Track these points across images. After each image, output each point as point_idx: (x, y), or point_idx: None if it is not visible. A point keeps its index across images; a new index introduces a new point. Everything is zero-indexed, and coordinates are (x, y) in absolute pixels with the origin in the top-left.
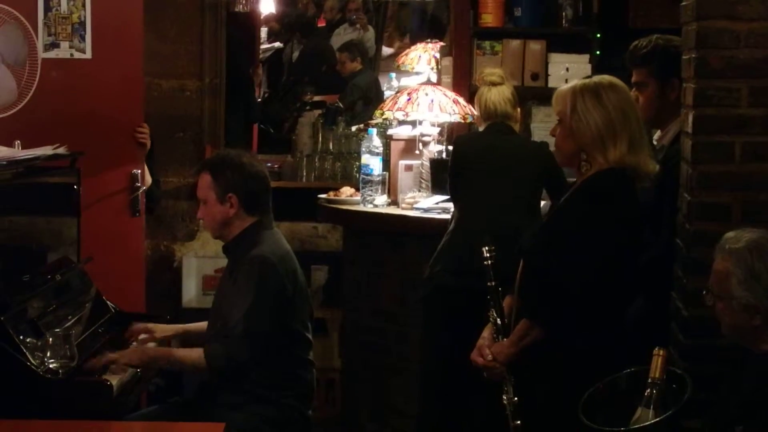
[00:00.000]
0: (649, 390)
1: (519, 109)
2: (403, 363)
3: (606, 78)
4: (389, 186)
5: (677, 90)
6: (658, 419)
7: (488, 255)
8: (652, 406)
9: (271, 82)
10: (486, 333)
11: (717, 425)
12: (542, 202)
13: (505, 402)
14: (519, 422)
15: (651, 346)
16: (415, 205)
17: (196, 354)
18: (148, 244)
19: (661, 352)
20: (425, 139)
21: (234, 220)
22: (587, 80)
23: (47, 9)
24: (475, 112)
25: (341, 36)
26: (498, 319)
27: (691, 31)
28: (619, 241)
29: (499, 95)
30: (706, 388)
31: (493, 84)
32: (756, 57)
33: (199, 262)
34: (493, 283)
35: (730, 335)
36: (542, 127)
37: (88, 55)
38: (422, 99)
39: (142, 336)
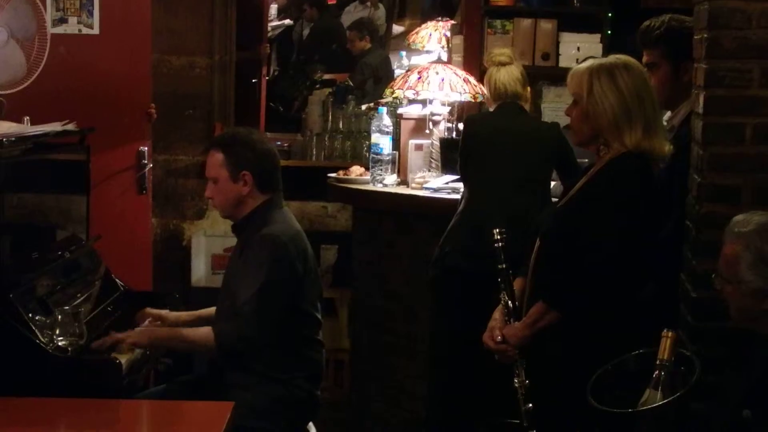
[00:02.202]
0: (657, 372)
1: (529, 89)
2: (412, 344)
3: (622, 59)
4: (399, 165)
5: (690, 72)
6: (666, 401)
7: (499, 237)
8: (660, 388)
9: (280, 60)
10: (497, 315)
11: (724, 409)
12: (552, 183)
13: (516, 385)
14: (531, 405)
15: (659, 328)
16: (424, 185)
17: (204, 333)
18: (157, 223)
19: (670, 334)
20: (435, 118)
21: (247, 198)
22: (603, 60)
23: None
24: (485, 93)
25: (351, 14)
26: (509, 302)
27: (703, 11)
28: (640, 227)
29: (508, 75)
30: (715, 371)
31: (502, 64)
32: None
33: (208, 241)
34: (504, 266)
35: (738, 318)
36: (553, 107)
37: (96, 30)
38: (433, 78)
39: (149, 320)
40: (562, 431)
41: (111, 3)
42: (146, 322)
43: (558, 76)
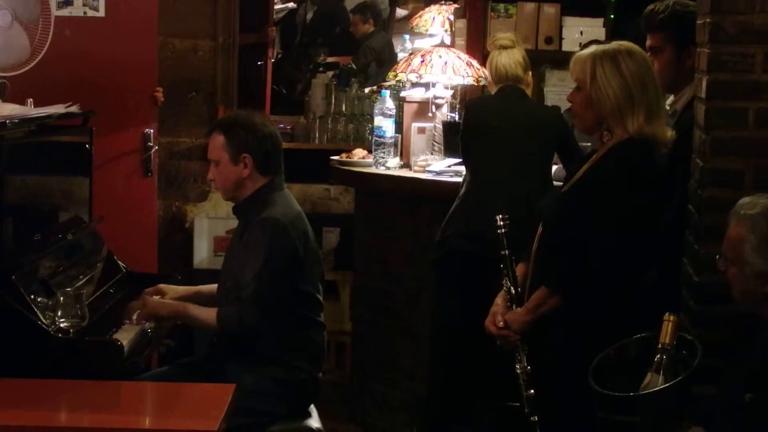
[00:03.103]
0: (659, 356)
1: (530, 73)
2: (414, 327)
3: (624, 45)
4: (402, 148)
5: (693, 56)
6: (667, 385)
7: (502, 223)
8: (662, 372)
9: (284, 43)
10: (499, 300)
11: (726, 392)
12: (554, 167)
13: (518, 371)
14: (532, 391)
15: (661, 313)
16: (427, 168)
17: (210, 314)
18: (160, 205)
19: (672, 318)
20: (438, 101)
21: (247, 181)
22: (606, 46)
23: None
24: (485, 77)
25: None
26: (512, 288)
27: None
28: (644, 212)
29: (509, 58)
30: (717, 355)
31: (504, 47)
32: None
33: (211, 223)
34: (507, 252)
35: (741, 302)
36: (555, 91)
37: (102, 13)
38: (436, 61)
39: (155, 297)
40: (564, 416)
41: None
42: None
43: (561, 59)
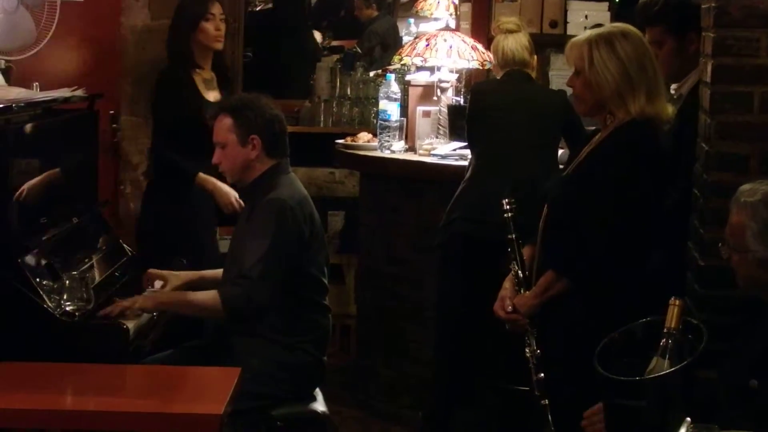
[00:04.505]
0: (664, 340)
1: (536, 57)
2: (418, 310)
3: (619, 26)
4: (407, 132)
5: (696, 42)
6: (673, 369)
7: (508, 207)
8: (667, 356)
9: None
10: (507, 284)
11: (731, 377)
12: (560, 151)
13: (528, 355)
14: (542, 375)
15: (667, 296)
16: (432, 152)
17: (211, 297)
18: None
19: (677, 302)
20: (443, 85)
21: (255, 163)
22: (601, 30)
23: None
24: (493, 61)
25: None
26: (519, 272)
27: None
28: (648, 192)
29: (515, 42)
30: (722, 339)
31: (510, 32)
32: None
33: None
34: (514, 235)
35: (745, 287)
36: (560, 74)
37: None
38: (441, 45)
39: (157, 283)
40: (573, 400)
41: None
42: (155, 286)
43: (566, 43)
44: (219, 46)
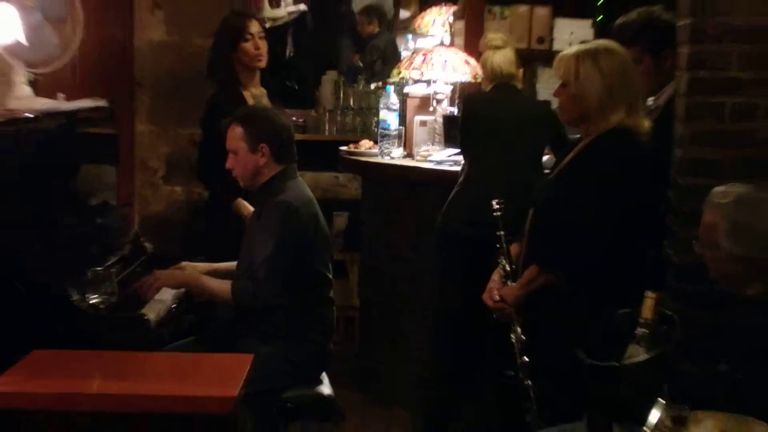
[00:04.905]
0: (640, 329)
1: (522, 70)
2: (416, 304)
3: (604, 43)
4: (405, 140)
5: (671, 58)
6: (647, 357)
7: (498, 207)
8: (643, 345)
9: (296, 42)
10: (495, 277)
11: (704, 362)
12: (545, 157)
13: (513, 340)
14: (526, 359)
15: (654, 289)
16: (428, 158)
17: (224, 287)
18: (184, 191)
19: (652, 295)
20: (439, 96)
21: (264, 168)
22: (587, 46)
23: None
24: (480, 75)
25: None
26: (506, 265)
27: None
28: (627, 195)
29: (503, 57)
30: (696, 330)
31: (497, 48)
32: (748, 24)
33: None
34: (502, 233)
35: (717, 280)
36: (547, 87)
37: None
38: (436, 59)
39: (175, 272)
40: (556, 383)
41: None
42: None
43: (552, 58)
44: (261, 64)
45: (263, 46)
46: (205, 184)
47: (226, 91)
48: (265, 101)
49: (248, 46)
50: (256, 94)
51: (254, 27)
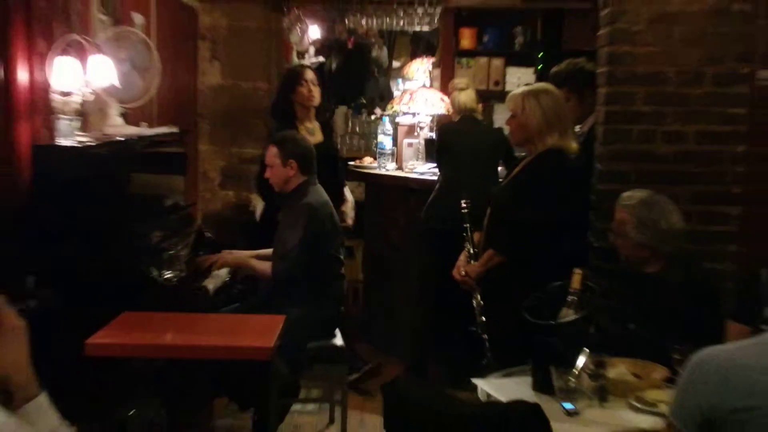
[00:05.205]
0: (570, 297)
1: (481, 105)
2: (405, 279)
3: (543, 86)
4: (397, 156)
5: (591, 96)
6: (575, 317)
7: (465, 206)
8: (572, 308)
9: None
10: (462, 258)
11: (617, 323)
12: (499, 168)
13: (474, 305)
14: (484, 318)
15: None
16: (414, 170)
17: (266, 267)
18: (235, 195)
19: (578, 271)
20: (421, 125)
21: (292, 178)
22: (531, 87)
23: None
24: (450, 109)
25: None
26: (470, 249)
27: (604, 53)
28: (558, 197)
29: (466, 96)
30: (610, 297)
31: (462, 89)
32: (647, 72)
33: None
34: (468, 225)
35: (626, 262)
36: (501, 118)
37: None
38: (419, 97)
39: (228, 255)
40: (506, 337)
41: None
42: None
43: (505, 97)
44: (313, 103)
45: (315, 89)
46: (260, 194)
47: (285, 125)
48: (317, 133)
49: (303, 90)
50: (309, 127)
51: (308, 75)
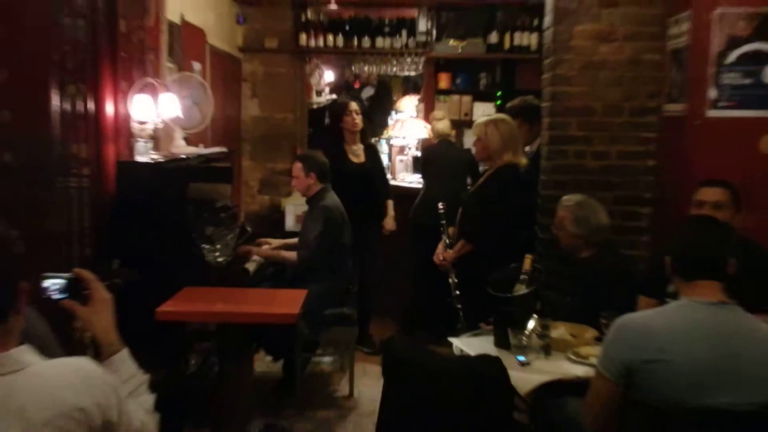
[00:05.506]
0: (522, 275)
1: (454, 131)
2: (401, 260)
3: (500, 116)
4: (391, 169)
5: (537, 124)
6: (526, 291)
7: (442, 208)
8: (524, 284)
9: (331, 116)
10: (440, 246)
11: (557, 295)
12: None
13: (450, 282)
14: (458, 292)
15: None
16: (405, 179)
17: (293, 256)
18: (270, 199)
19: (529, 256)
20: (409, 145)
21: (313, 186)
22: (491, 117)
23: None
24: (431, 134)
25: (366, 92)
26: (447, 240)
27: (547, 92)
28: (512, 200)
29: (443, 124)
30: (553, 276)
31: (439, 119)
32: (579, 106)
33: (293, 208)
34: (444, 222)
35: (564, 249)
36: (468, 141)
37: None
38: (408, 125)
39: (265, 245)
40: (475, 306)
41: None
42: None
43: (472, 125)
44: (357, 129)
45: (358, 118)
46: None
47: (335, 147)
48: (361, 154)
49: (348, 119)
50: (354, 149)
51: (353, 106)
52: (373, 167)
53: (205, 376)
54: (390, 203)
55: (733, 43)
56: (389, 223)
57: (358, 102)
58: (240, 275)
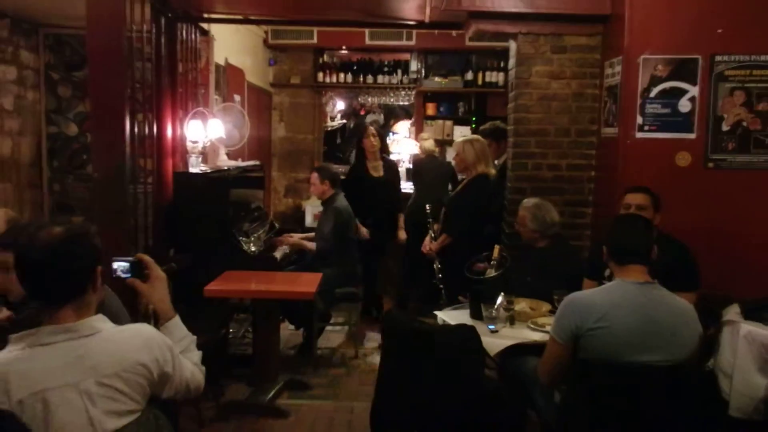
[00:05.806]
0: (492, 261)
1: (438, 149)
2: (398, 251)
3: (474, 136)
4: None
5: (504, 144)
6: (496, 274)
7: (428, 209)
8: (494, 268)
9: (342, 136)
10: (427, 239)
11: (519, 276)
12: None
13: (435, 267)
14: (441, 275)
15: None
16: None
17: (312, 245)
18: (293, 201)
19: (497, 246)
20: (403, 159)
21: (327, 191)
22: (467, 137)
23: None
24: (419, 150)
25: (370, 117)
26: (432, 234)
27: (511, 117)
28: (484, 202)
29: (429, 143)
30: (516, 260)
31: (426, 139)
32: (537, 128)
33: (312, 208)
34: (431, 220)
35: (525, 240)
36: (449, 156)
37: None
38: (402, 143)
39: (288, 237)
40: (454, 286)
41: None
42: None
43: (452, 143)
44: (375, 149)
45: (375, 139)
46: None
47: (358, 163)
48: (380, 169)
49: (366, 141)
50: (374, 165)
51: (370, 131)
52: (388, 181)
53: (242, 340)
54: (401, 217)
55: (655, 81)
56: (401, 235)
57: (375, 125)
58: (270, 261)
